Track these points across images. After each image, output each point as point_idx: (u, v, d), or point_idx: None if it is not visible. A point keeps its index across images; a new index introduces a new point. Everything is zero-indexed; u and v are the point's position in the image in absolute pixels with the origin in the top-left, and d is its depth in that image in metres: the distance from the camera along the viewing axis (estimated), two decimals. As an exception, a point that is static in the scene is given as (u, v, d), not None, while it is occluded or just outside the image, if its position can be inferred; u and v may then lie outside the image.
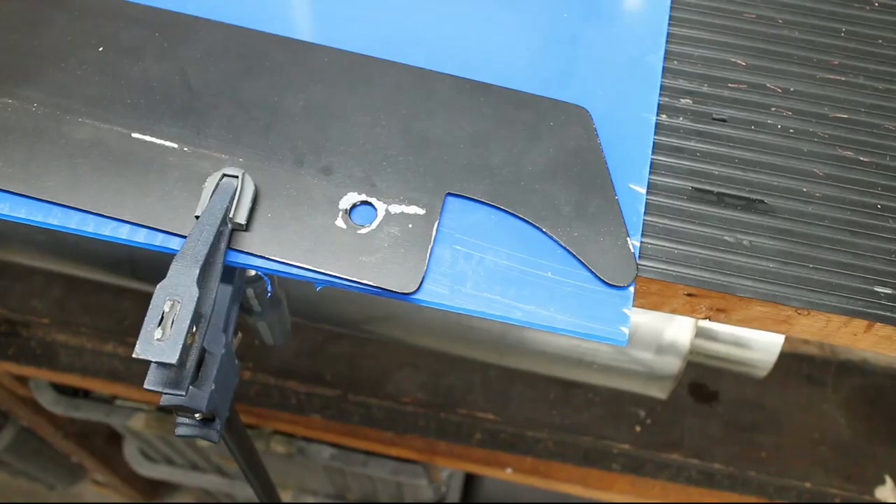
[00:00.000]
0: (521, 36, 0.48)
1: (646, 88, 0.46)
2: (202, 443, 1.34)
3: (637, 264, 0.39)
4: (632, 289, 0.39)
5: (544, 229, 0.40)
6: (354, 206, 0.41)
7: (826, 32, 0.49)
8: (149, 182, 0.41)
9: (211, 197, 0.39)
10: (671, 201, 0.42)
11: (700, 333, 0.77)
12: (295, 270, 0.39)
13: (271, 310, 0.54)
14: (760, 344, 0.77)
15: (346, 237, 0.40)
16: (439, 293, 0.39)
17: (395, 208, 0.41)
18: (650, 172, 0.43)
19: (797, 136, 0.45)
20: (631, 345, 0.75)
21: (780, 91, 0.47)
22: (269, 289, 0.51)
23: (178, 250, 0.37)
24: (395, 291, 0.38)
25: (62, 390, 1.23)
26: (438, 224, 0.40)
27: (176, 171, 0.41)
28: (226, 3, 0.48)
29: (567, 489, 1.06)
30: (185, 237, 0.39)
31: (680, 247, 0.41)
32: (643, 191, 0.42)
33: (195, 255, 0.36)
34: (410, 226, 0.40)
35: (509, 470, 1.05)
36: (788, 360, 1.01)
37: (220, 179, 0.40)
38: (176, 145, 0.42)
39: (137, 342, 0.34)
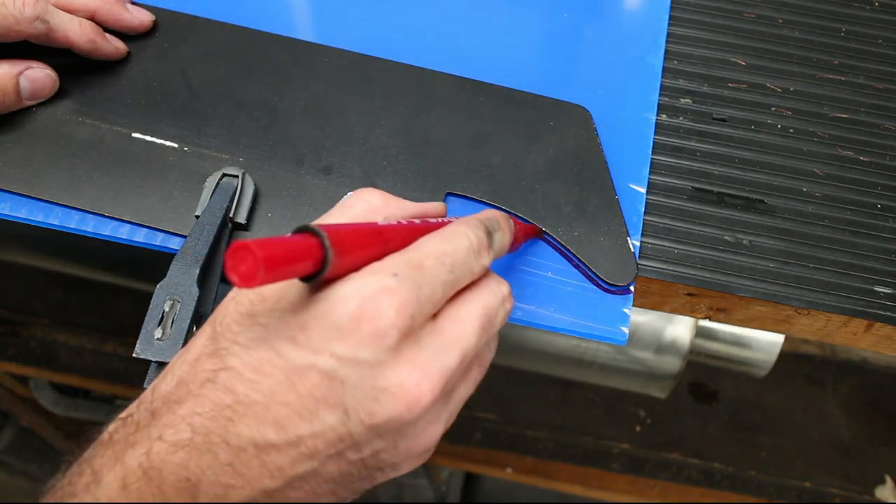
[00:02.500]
0: (521, 36, 0.48)
1: (646, 88, 0.46)
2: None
3: (637, 264, 0.39)
4: (632, 289, 0.39)
5: (544, 229, 0.40)
6: (354, 205, 0.41)
7: (826, 32, 0.49)
8: (149, 182, 0.41)
9: (211, 197, 0.39)
10: (671, 201, 0.42)
11: (700, 333, 0.77)
12: (295, 270, 0.39)
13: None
14: (760, 344, 0.77)
15: (346, 237, 0.40)
16: (439, 293, 0.39)
17: (396, 208, 0.41)
18: (650, 172, 0.43)
19: (797, 136, 0.45)
20: (631, 344, 0.75)
21: (780, 91, 0.47)
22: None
23: (178, 250, 0.37)
24: (395, 291, 0.38)
25: (62, 390, 1.23)
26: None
27: (176, 171, 0.41)
28: (226, 3, 0.48)
29: (567, 489, 1.06)
30: (185, 237, 0.39)
31: (680, 246, 0.41)
32: (643, 190, 0.42)
33: (195, 254, 0.36)
34: (410, 225, 0.40)
35: (509, 470, 1.05)
36: (788, 360, 1.01)
37: (221, 179, 0.40)
38: (176, 145, 0.42)
39: (137, 342, 0.34)
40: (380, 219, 0.30)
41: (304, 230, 0.25)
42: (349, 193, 0.32)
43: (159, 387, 0.27)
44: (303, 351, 0.25)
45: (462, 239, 0.28)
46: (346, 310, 0.25)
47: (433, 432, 0.28)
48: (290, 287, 0.26)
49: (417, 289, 0.26)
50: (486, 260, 0.29)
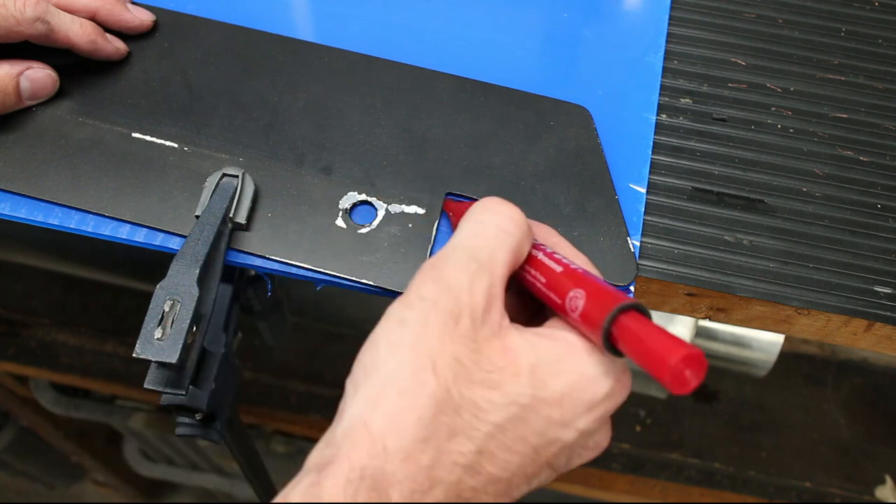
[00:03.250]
0: (521, 36, 0.48)
1: (646, 88, 0.46)
2: (202, 443, 1.34)
3: (637, 264, 0.39)
4: (632, 288, 0.39)
5: (544, 229, 0.40)
6: (354, 205, 0.41)
7: (826, 32, 0.49)
8: (149, 182, 0.41)
9: (211, 197, 0.39)
10: (671, 201, 0.42)
11: (700, 333, 0.77)
12: (295, 270, 0.39)
13: (271, 310, 0.54)
14: (760, 344, 0.77)
15: (346, 237, 0.40)
16: (439, 293, 0.39)
17: (395, 208, 0.41)
18: (650, 172, 0.43)
19: (797, 136, 0.45)
20: (631, 345, 0.75)
21: (780, 91, 0.47)
22: (270, 289, 0.51)
23: (178, 250, 0.37)
24: (395, 291, 0.38)
25: (62, 390, 1.23)
26: (438, 224, 0.40)
27: (176, 171, 0.41)
28: (226, 3, 0.48)
29: (567, 489, 1.06)
30: (185, 237, 0.39)
31: (680, 246, 0.41)
32: (643, 190, 0.42)
33: (195, 254, 0.36)
34: (410, 225, 0.40)
35: (509, 470, 1.05)
36: (788, 360, 1.01)
37: (221, 179, 0.40)
38: (176, 145, 0.42)
39: (137, 342, 0.34)
40: (510, 242, 0.31)
41: (635, 308, 0.27)
42: (479, 201, 0.33)
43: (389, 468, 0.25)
44: (555, 427, 0.27)
45: None
46: (601, 389, 0.28)
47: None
48: (519, 352, 0.28)
49: None
50: None
